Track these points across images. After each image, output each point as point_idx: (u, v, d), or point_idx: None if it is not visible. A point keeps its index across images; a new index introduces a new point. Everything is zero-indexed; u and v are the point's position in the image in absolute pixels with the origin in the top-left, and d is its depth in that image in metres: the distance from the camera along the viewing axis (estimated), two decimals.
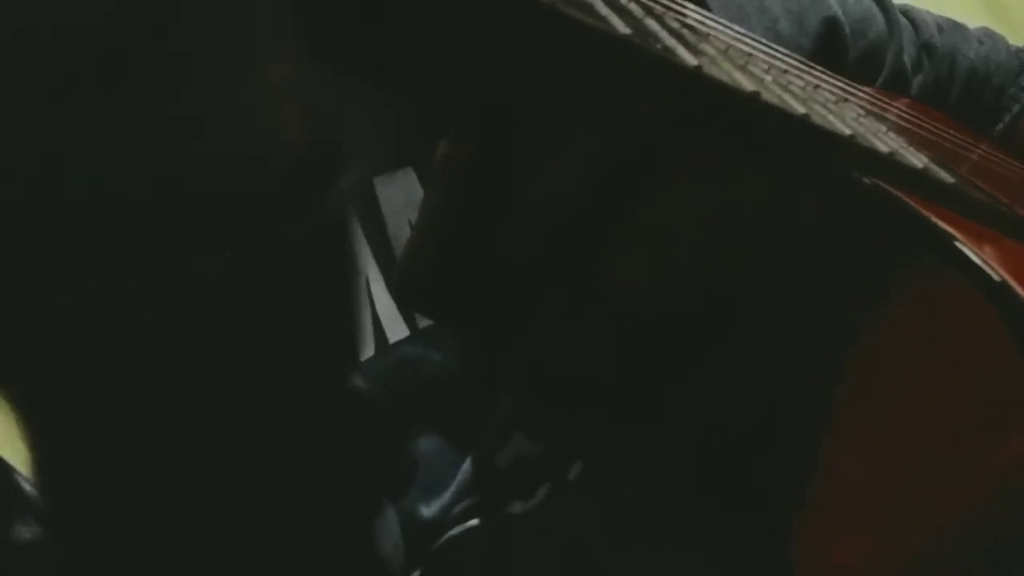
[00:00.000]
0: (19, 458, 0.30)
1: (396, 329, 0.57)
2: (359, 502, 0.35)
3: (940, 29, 0.88)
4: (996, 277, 0.39)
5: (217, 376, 0.26)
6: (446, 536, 0.53)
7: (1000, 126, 0.88)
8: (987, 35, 0.91)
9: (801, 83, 0.50)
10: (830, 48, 0.78)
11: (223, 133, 0.25)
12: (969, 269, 0.40)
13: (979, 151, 0.71)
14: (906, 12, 0.86)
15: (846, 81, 0.59)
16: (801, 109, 0.42)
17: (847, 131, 0.44)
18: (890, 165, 0.45)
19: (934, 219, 0.42)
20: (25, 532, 0.38)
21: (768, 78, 0.46)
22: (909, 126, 0.64)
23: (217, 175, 0.25)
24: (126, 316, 0.24)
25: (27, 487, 0.39)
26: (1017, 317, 0.39)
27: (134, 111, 0.23)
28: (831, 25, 0.78)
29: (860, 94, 0.60)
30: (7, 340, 0.24)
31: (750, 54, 0.49)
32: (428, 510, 0.54)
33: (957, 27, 0.90)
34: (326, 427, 0.31)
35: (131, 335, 0.25)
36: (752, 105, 0.40)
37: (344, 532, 0.34)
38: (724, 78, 0.40)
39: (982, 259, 0.40)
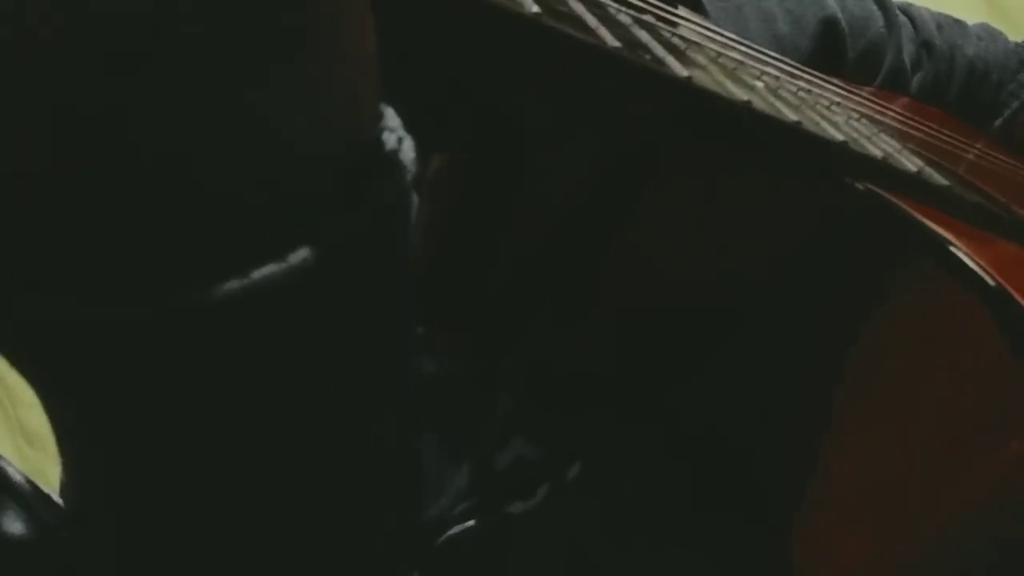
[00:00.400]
0: (17, 455, 0.30)
1: None
2: (360, 502, 0.35)
3: (939, 26, 0.88)
4: (991, 282, 0.39)
5: (274, 382, 0.26)
6: (446, 536, 0.53)
7: (999, 122, 0.88)
8: (986, 32, 0.91)
9: (794, 88, 0.50)
10: (829, 48, 0.78)
11: (315, 118, 0.24)
12: (964, 273, 0.40)
13: (976, 150, 0.71)
14: (905, 10, 0.86)
15: (841, 84, 0.59)
16: (793, 116, 0.42)
17: (840, 137, 0.44)
18: (883, 169, 0.46)
19: (928, 223, 0.42)
20: (14, 522, 0.38)
21: (760, 85, 0.46)
22: (906, 128, 0.64)
23: (302, 167, 0.25)
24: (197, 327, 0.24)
25: (16, 477, 0.39)
26: (1011, 322, 0.39)
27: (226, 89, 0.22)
28: (830, 25, 0.78)
29: (856, 97, 0.60)
30: (79, 350, 0.24)
31: (741, 61, 0.49)
32: (428, 510, 0.54)
33: (956, 24, 0.90)
34: (361, 431, 0.31)
35: (200, 345, 0.24)
36: (743, 114, 0.40)
37: (344, 532, 0.34)
38: (715, 87, 0.40)
39: (977, 263, 0.40)
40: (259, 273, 0.23)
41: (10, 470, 0.40)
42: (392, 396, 0.31)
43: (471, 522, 0.53)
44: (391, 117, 0.27)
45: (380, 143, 0.27)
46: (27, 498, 0.39)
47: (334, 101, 0.25)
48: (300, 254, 0.24)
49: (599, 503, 0.51)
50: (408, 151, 0.27)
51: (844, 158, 0.44)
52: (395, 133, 0.27)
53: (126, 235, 0.23)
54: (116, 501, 0.28)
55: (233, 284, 0.23)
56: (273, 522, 0.29)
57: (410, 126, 0.28)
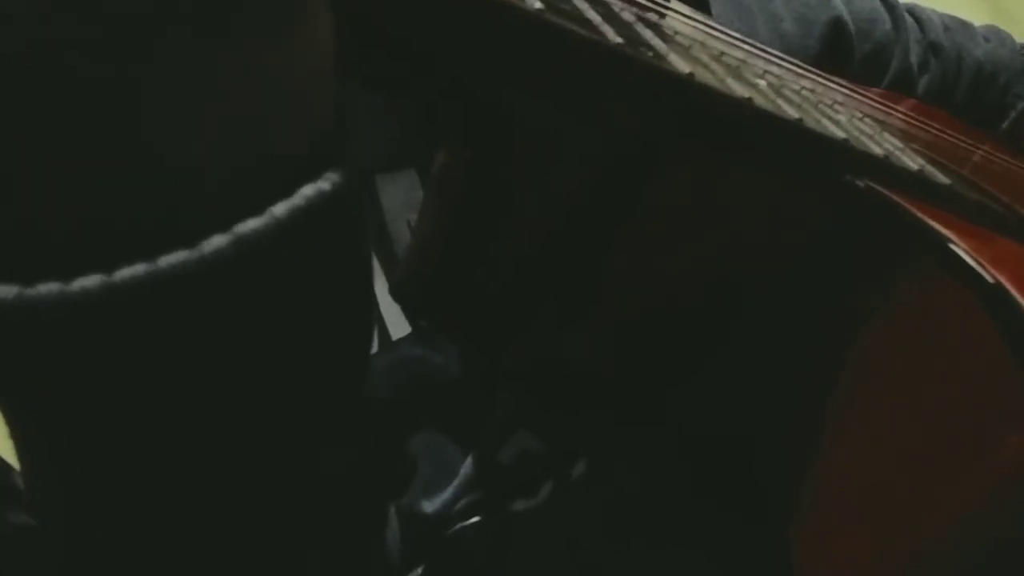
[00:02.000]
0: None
1: (398, 326, 0.57)
2: (358, 500, 0.35)
3: (946, 28, 0.88)
4: (990, 279, 0.39)
5: (240, 363, 0.26)
6: (448, 532, 0.53)
7: (1005, 123, 0.88)
8: (993, 33, 0.91)
9: (797, 87, 0.50)
10: (836, 49, 0.78)
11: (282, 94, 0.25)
12: (963, 271, 0.40)
13: (982, 151, 0.71)
14: (912, 11, 0.86)
15: (845, 83, 0.59)
16: (794, 113, 0.42)
17: (841, 135, 0.44)
18: (884, 167, 0.46)
19: (929, 221, 0.42)
20: (15, 518, 0.38)
21: (762, 83, 0.46)
22: (911, 128, 0.63)
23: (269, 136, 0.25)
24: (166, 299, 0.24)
25: (16, 478, 0.40)
26: (1009, 320, 0.39)
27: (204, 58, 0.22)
28: (837, 26, 0.78)
29: (859, 96, 0.60)
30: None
31: (744, 60, 0.49)
32: (430, 506, 0.54)
33: (963, 25, 0.90)
34: (335, 423, 0.31)
35: (163, 321, 0.24)
36: (744, 110, 0.40)
37: (343, 530, 0.34)
38: (716, 84, 0.40)
39: (976, 261, 0.40)
40: (207, 245, 0.23)
41: (11, 471, 0.40)
42: (351, 378, 0.31)
43: (474, 519, 0.53)
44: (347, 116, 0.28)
45: (332, 129, 0.27)
46: (27, 496, 0.39)
47: (288, 92, 0.25)
48: (247, 226, 0.24)
49: (599, 503, 0.51)
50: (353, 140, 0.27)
51: (845, 155, 0.44)
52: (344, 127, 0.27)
53: (74, 204, 0.23)
54: (67, 492, 0.28)
55: (180, 255, 0.23)
56: (233, 517, 0.29)
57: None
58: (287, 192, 0.25)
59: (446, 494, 0.54)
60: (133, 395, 0.25)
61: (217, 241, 0.24)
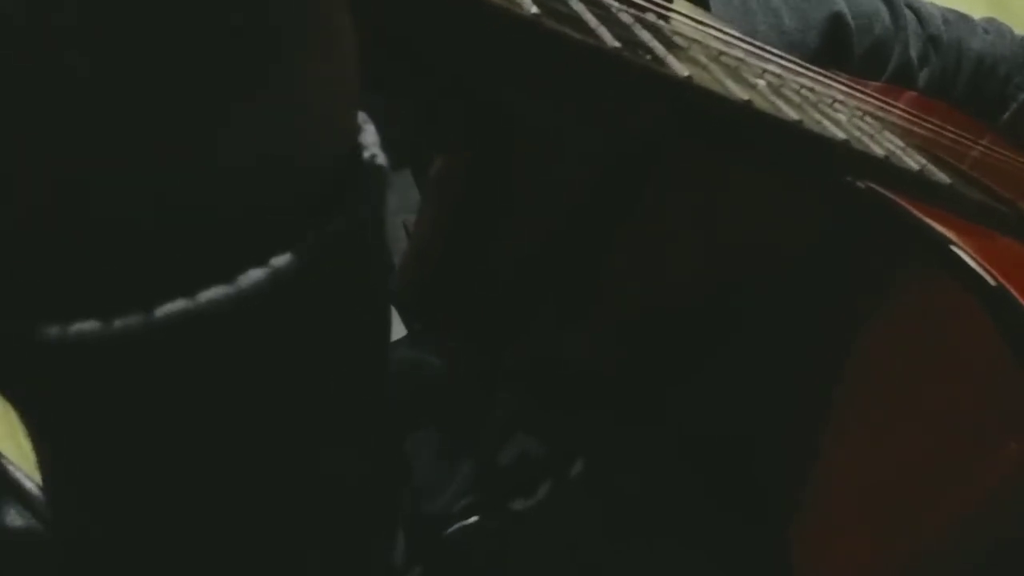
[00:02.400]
0: (17, 452, 0.30)
1: (394, 328, 0.57)
2: (359, 501, 0.35)
3: (945, 21, 0.88)
4: (992, 282, 0.39)
5: (264, 381, 0.26)
6: (447, 532, 0.53)
7: (1006, 115, 0.88)
8: (993, 26, 0.91)
9: (796, 86, 0.50)
10: (835, 44, 0.78)
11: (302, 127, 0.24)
12: (964, 272, 0.40)
13: (982, 146, 0.71)
14: (911, 5, 0.86)
15: (846, 80, 0.59)
16: (794, 115, 0.42)
17: (841, 136, 0.44)
18: (885, 168, 0.45)
19: (930, 222, 0.42)
20: (15, 519, 0.38)
21: (761, 83, 0.46)
22: (910, 125, 0.63)
23: (289, 172, 0.25)
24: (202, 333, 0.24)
25: (16, 474, 0.40)
26: (1011, 323, 0.39)
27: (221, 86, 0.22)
28: (836, 21, 0.78)
29: (860, 94, 0.60)
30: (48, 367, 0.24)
31: (744, 59, 0.49)
32: (429, 506, 0.54)
33: (963, 18, 0.90)
34: (342, 427, 0.31)
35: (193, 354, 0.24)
36: (744, 113, 0.40)
37: (344, 531, 0.34)
38: (716, 87, 0.40)
39: (978, 263, 0.40)
40: (245, 279, 0.23)
41: (11, 467, 0.40)
42: (372, 399, 0.31)
43: (475, 518, 0.53)
44: (370, 133, 0.27)
45: (358, 153, 0.27)
46: (28, 495, 0.39)
47: (316, 110, 0.25)
48: (282, 260, 0.24)
49: (599, 503, 0.51)
50: (382, 162, 0.27)
51: (845, 157, 0.44)
52: (370, 149, 0.27)
53: (112, 246, 0.23)
54: (85, 504, 0.28)
55: (219, 291, 0.23)
56: (236, 518, 0.29)
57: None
58: (317, 221, 0.25)
59: (445, 495, 0.54)
60: (155, 416, 0.25)
61: (254, 275, 0.23)
